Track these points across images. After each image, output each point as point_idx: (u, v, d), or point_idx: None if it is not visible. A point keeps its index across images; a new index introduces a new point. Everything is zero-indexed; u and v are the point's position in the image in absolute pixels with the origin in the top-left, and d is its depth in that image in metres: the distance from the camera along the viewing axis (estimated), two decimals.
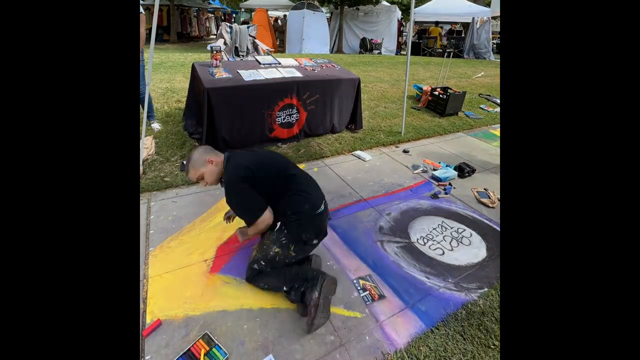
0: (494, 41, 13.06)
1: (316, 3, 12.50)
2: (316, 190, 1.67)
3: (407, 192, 2.75)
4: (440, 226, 2.33)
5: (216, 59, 3.19)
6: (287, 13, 15.48)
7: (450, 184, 2.89)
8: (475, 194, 2.78)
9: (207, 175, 1.58)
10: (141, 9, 2.70)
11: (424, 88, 5.18)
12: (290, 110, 3.26)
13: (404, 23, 14.28)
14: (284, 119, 3.26)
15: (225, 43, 6.33)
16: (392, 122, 4.37)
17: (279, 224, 1.58)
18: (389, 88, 6.04)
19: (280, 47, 12.28)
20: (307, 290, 1.47)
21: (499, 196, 2.73)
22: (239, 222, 1.83)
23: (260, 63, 3.47)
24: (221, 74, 2.99)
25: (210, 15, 16.45)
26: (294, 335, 1.45)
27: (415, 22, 13.41)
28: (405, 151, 3.56)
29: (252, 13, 13.46)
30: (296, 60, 3.75)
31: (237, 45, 6.48)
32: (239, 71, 3.12)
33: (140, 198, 2.32)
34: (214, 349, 1.36)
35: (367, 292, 1.71)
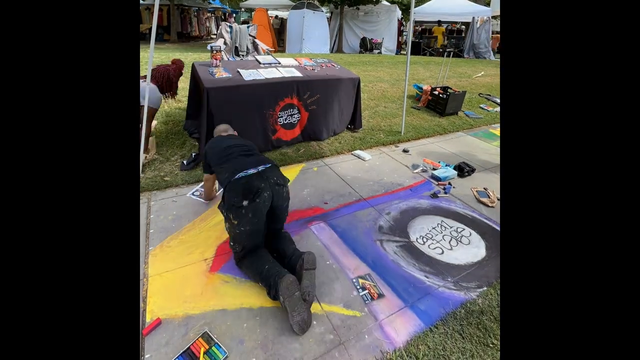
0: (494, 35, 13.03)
1: (316, 3, 12.49)
2: (246, 159, 1.75)
3: (407, 192, 2.75)
4: (439, 225, 2.34)
5: (216, 59, 3.19)
6: (278, 13, 15.48)
7: (449, 184, 2.90)
8: (474, 193, 2.79)
9: None
10: None
11: (424, 87, 5.18)
12: (291, 110, 3.26)
13: (404, 23, 14.28)
14: (285, 119, 3.26)
15: (225, 43, 6.33)
16: (392, 122, 4.37)
17: None
18: (389, 88, 6.04)
19: (280, 46, 12.28)
20: (277, 293, 1.50)
21: (498, 196, 2.73)
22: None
23: (260, 63, 3.47)
24: (221, 73, 2.99)
25: (210, 15, 16.46)
26: (294, 334, 1.45)
27: (416, 22, 13.39)
28: (405, 151, 3.56)
29: (252, 13, 13.46)
30: (296, 59, 3.75)
31: (237, 45, 6.49)
32: (239, 71, 3.12)
33: (140, 197, 2.32)
34: (213, 348, 1.36)
35: (367, 291, 1.72)
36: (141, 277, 1.68)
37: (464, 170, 3.10)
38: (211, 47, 3.39)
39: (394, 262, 1.95)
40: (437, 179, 2.96)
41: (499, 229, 2.32)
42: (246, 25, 6.74)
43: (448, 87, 4.93)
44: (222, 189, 1.75)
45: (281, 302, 1.48)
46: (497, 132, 4.43)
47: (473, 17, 11.77)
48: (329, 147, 3.42)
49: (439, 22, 13.09)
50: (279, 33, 12.97)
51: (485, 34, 12.00)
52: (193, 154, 2.91)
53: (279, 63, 3.55)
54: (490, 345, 1.47)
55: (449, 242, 2.17)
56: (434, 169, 3.13)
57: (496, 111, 5.29)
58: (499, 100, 5.78)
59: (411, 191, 2.76)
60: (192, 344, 1.37)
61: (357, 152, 3.39)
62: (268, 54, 6.04)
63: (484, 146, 3.92)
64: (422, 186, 2.86)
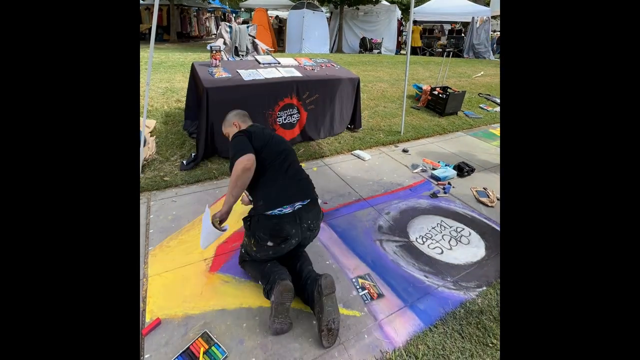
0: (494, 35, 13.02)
1: (316, 3, 12.49)
2: (286, 189, 1.53)
3: (407, 192, 2.75)
4: (439, 225, 2.34)
5: (216, 59, 3.19)
6: (278, 13, 15.46)
7: (449, 183, 2.90)
8: (474, 193, 2.79)
9: (231, 136, 1.71)
10: None
11: (424, 87, 5.18)
12: (290, 110, 3.27)
13: (403, 23, 14.28)
14: (285, 119, 3.26)
15: (224, 43, 6.33)
16: (392, 122, 4.37)
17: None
18: (389, 87, 6.04)
19: (279, 46, 12.28)
20: (270, 292, 1.46)
21: (497, 195, 2.74)
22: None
23: (259, 63, 3.47)
24: (221, 73, 2.99)
25: (210, 14, 16.45)
26: (293, 333, 1.46)
27: (415, 22, 13.39)
28: (404, 150, 3.57)
29: (252, 13, 13.46)
30: (296, 59, 3.75)
31: (237, 45, 6.49)
32: (238, 71, 3.12)
33: (140, 197, 2.32)
34: (213, 348, 1.37)
35: (366, 291, 1.72)
36: (141, 277, 1.68)
37: (463, 170, 3.10)
38: (211, 47, 3.39)
39: (393, 262, 1.95)
40: (437, 178, 2.96)
41: (498, 228, 2.32)
42: (246, 25, 6.74)
43: (448, 87, 4.93)
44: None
45: (270, 302, 1.44)
46: (497, 132, 4.44)
47: (473, 17, 11.78)
48: (328, 147, 3.43)
49: (415, 22, 13.04)
50: (278, 33, 12.97)
51: (485, 34, 12.01)
52: (193, 154, 2.91)
53: (279, 63, 3.55)
54: (490, 345, 1.47)
55: (449, 241, 2.18)
56: (433, 169, 3.13)
57: (496, 111, 5.29)
58: (498, 100, 5.78)
59: (411, 191, 2.77)
60: (191, 344, 1.37)
61: (357, 152, 3.40)
62: (268, 54, 6.05)
63: (484, 146, 3.92)
64: (422, 186, 2.86)
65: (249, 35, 6.64)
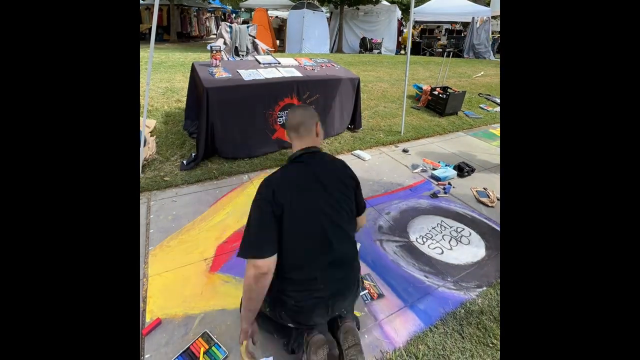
0: (494, 36, 13.03)
1: (316, 3, 12.50)
2: (320, 281, 1.18)
3: (407, 192, 2.75)
4: (439, 225, 2.34)
5: (216, 59, 3.19)
6: (278, 13, 15.47)
7: (449, 184, 2.90)
8: (474, 193, 2.79)
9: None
10: None
11: (424, 87, 5.18)
12: None
13: (404, 23, 14.28)
14: (285, 119, 3.26)
15: (225, 43, 6.33)
16: (392, 122, 4.37)
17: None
18: (389, 87, 6.04)
19: (280, 46, 12.28)
20: (297, 349, 1.29)
21: (498, 195, 2.74)
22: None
23: (260, 63, 3.47)
24: (221, 73, 2.99)
25: (210, 14, 16.46)
26: None
27: (415, 22, 13.40)
28: (404, 150, 3.57)
29: (252, 13, 13.46)
30: (296, 59, 3.75)
31: (237, 45, 6.49)
32: (238, 71, 3.12)
33: (140, 197, 2.32)
34: (213, 348, 1.36)
35: (366, 291, 1.72)
36: (141, 277, 1.68)
37: (463, 170, 3.10)
38: (211, 47, 3.39)
39: (393, 262, 1.95)
40: (437, 178, 2.96)
41: (498, 228, 2.32)
42: (246, 25, 6.74)
43: (448, 87, 4.93)
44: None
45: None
46: (497, 132, 4.43)
47: (473, 17, 11.78)
48: (328, 147, 3.42)
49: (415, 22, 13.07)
50: (278, 33, 12.97)
51: (485, 34, 12.01)
52: (193, 154, 2.91)
53: (279, 63, 3.55)
54: (490, 345, 1.47)
55: (449, 242, 2.17)
56: (433, 169, 3.13)
57: (496, 111, 5.29)
58: (498, 100, 5.78)
59: (411, 191, 2.77)
60: (192, 344, 1.37)
61: (357, 152, 3.39)
62: (268, 54, 6.05)
63: (484, 146, 3.92)
64: (422, 186, 2.86)
65: (249, 35, 6.64)
